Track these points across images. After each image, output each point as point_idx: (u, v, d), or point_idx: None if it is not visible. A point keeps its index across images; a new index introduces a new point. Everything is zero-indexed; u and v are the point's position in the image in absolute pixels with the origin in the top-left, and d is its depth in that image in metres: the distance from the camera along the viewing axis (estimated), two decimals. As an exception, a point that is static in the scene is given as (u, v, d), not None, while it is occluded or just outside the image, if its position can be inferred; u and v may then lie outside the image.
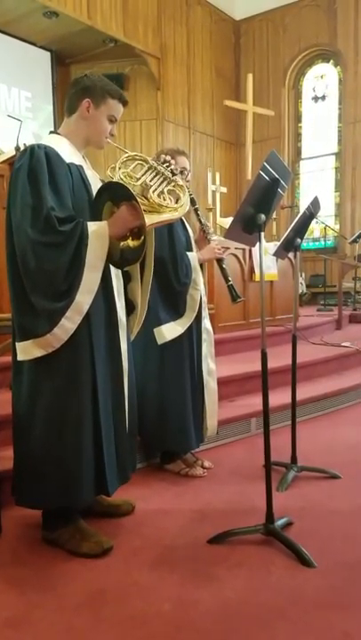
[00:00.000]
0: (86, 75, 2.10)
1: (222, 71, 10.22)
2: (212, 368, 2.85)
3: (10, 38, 7.98)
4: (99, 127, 2.09)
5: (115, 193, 1.94)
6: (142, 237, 1.91)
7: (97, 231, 1.91)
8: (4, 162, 3.41)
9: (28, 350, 1.95)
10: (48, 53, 8.54)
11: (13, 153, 3.22)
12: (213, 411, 2.83)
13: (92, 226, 1.91)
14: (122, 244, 1.98)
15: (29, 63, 8.23)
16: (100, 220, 1.97)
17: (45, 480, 1.98)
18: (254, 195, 2.12)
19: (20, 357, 1.98)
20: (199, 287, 2.71)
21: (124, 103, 2.13)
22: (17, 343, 1.98)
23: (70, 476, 1.97)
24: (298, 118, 10.47)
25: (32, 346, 1.93)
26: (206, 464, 2.90)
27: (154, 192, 2.01)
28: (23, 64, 8.12)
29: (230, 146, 10.54)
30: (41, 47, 8.42)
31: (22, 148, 3.15)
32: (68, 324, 1.90)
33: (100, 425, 2.01)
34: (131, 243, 1.97)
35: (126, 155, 2.05)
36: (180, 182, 2.12)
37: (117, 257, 2.01)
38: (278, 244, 2.84)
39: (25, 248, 1.87)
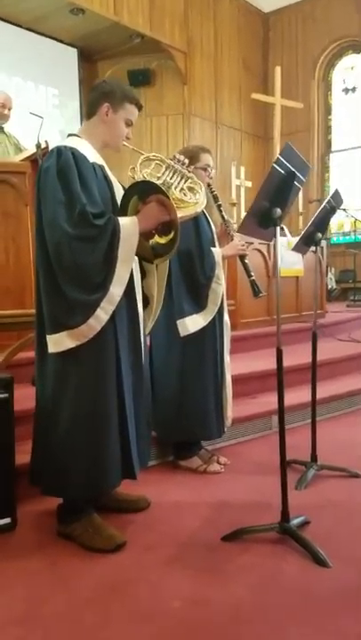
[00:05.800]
0: (105, 80, 2.24)
1: (250, 64, 10.08)
2: (227, 361, 2.86)
3: (37, 36, 8.02)
4: (117, 130, 2.19)
5: (143, 189, 2.02)
6: (172, 232, 2.01)
7: (128, 225, 1.98)
8: (25, 159, 3.44)
9: (60, 342, 1.99)
10: (75, 50, 8.56)
11: (34, 150, 3.24)
12: (230, 402, 2.86)
13: (122, 220, 1.98)
14: (150, 241, 2.09)
15: (56, 60, 8.27)
16: (125, 215, 2.04)
17: (73, 469, 2.02)
18: (268, 188, 2.09)
19: (51, 350, 2.01)
20: (221, 282, 2.74)
21: (140, 108, 2.25)
22: (48, 336, 2.01)
23: (98, 464, 2.02)
24: (328, 110, 10.28)
25: (65, 337, 1.98)
26: (222, 460, 2.88)
27: (175, 189, 2.08)
28: (50, 61, 8.16)
29: (258, 139, 10.41)
30: (68, 44, 8.44)
31: (43, 145, 3.19)
32: (103, 315, 1.96)
33: (125, 414, 2.07)
34: (160, 240, 2.08)
35: (144, 156, 2.12)
36: (196, 179, 2.18)
37: (149, 255, 2.12)
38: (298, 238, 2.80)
39: (59, 243, 1.93)
